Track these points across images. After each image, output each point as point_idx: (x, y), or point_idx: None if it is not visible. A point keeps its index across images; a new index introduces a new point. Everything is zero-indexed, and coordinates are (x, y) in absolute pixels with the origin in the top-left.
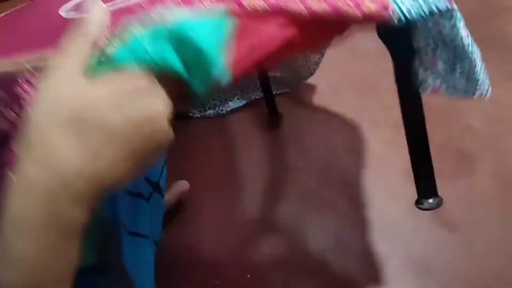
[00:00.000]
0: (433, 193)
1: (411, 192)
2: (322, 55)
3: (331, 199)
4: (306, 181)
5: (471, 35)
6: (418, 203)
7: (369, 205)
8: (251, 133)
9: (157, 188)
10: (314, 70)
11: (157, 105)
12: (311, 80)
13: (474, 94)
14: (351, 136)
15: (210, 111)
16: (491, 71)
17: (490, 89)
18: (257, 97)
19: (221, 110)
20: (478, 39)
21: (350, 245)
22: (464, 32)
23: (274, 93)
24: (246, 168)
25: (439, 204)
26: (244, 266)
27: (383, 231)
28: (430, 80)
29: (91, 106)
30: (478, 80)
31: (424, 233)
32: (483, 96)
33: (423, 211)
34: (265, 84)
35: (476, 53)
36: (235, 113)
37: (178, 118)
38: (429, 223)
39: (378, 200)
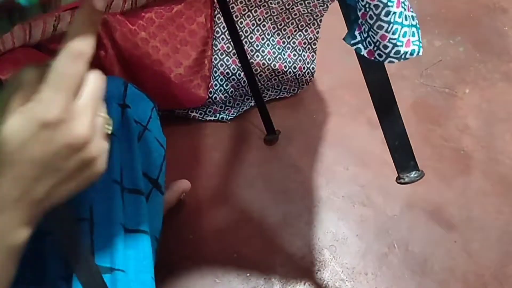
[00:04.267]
0: (413, 166)
1: (410, 192)
2: (314, 51)
3: (330, 199)
4: (306, 180)
5: (463, 39)
6: (398, 178)
7: (368, 205)
8: (254, 134)
9: (156, 185)
10: (313, 69)
11: (76, 130)
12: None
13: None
14: (350, 136)
15: (211, 117)
16: (487, 71)
17: (422, 48)
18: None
19: (222, 118)
20: (475, 40)
21: (349, 244)
22: None
23: (273, 97)
24: (246, 168)
25: (420, 176)
26: (244, 264)
27: (381, 230)
28: (363, 43)
29: (11, 143)
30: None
31: (422, 232)
32: (416, 53)
33: (420, 210)
34: (260, 102)
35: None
36: (237, 115)
37: (178, 119)
38: (427, 222)
39: (377, 199)
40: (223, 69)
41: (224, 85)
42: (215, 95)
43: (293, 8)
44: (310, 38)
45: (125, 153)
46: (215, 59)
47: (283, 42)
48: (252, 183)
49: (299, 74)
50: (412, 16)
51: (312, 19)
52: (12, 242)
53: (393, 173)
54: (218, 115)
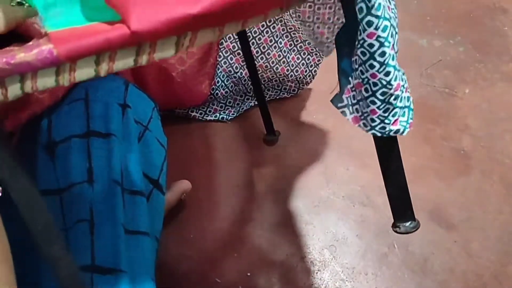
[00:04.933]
0: (410, 216)
1: (410, 192)
2: (321, 57)
3: (330, 199)
4: (306, 180)
5: (463, 39)
6: (394, 226)
7: (368, 205)
8: (255, 134)
9: (157, 185)
10: (315, 72)
11: None
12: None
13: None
14: (350, 136)
15: (211, 117)
16: (487, 71)
17: (408, 129)
18: (257, 103)
19: (222, 118)
20: (475, 40)
21: (349, 244)
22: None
23: (273, 97)
24: (247, 168)
25: (416, 227)
26: (244, 264)
27: (381, 230)
28: (349, 108)
29: None
30: (396, 113)
31: (422, 232)
32: (400, 133)
33: (420, 210)
34: (261, 102)
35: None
36: (237, 115)
37: (179, 119)
38: (427, 222)
39: (377, 199)
40: (226, 66)
41: (225, 81)
42: (216, 91)
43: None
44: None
45: (126, 154)
46: (219, 56)
47: (290, 45)
48: (252, 183)
49: (300, 77)
50: (407, 97)
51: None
52: None
53: None
54: (218, 115)
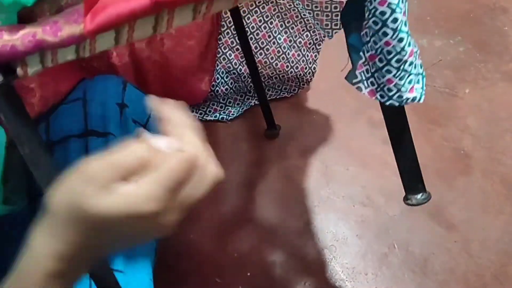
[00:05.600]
0: (421, 188)
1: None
2: (318, 52)
3: (330, 199)
4: (306, 180)
5: (463, 39)
6: (406, 199)
7: (368, 205)
8: (256, 133)
9: None
10: (315, 69)
11: (166, 223)
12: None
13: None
14: (350, 136)
15: (211, 117)
16: (488, 71)
17: (424, 96)
18: (257, 103)
19: (222, 118)
20: (475, 40)
21: (349, 244)
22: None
23: (273, 97)
24: (247, 168)
25: (427, 198)
26: (245, 264)
27: (381, 230)
28: (364, 83)
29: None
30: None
31: (422, 232)
32: (417, 100)
33: (420, 210)
34: (262, 95)
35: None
36: (237, 115)
37: None
38: (427, 223)
39: (377, 199)
40: (225, 62)
41: (224, 77)
42: (216, 88)
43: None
44: (316, 39)
45: None
46: (218, 52)
47: (290, 41)
48: (252, 182)
49: (300, 74)
50: (420, 64)
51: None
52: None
53: (393, 174)
54: (218, 115)
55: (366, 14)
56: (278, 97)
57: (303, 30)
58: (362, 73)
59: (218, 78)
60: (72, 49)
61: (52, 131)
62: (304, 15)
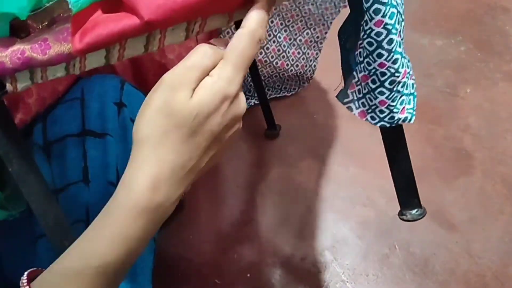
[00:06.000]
0: (416, 203)
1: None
2: (319, 49)
3: (330, 199)
4: (306, 181)
5: (464, 38)
6: (401, 214)
7: (369, 205)
8: (257, 132)
9: None
10: (315, 66)
11: (242, 104)
12: (309, 83)
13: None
14: (350, 136)
15: None
16: (488, 71)
17: (414, 116)
18: (256, 102)
19: None
20: (476, 39)
21: (350, 245)
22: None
23: (273, 96)
24: (248, 168)
25: (422, 214)
26: (244, 265)
27: (382, 231)
28: (355, 103)
29: (199, 115)
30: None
31: (423, 232)
32: (408, 120)
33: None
34: (262, 95)
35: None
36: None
37: None
38: (428, 223)
39: (377, 200)
40: None
41: None
42: None
43: (304, 6)
44: (317, 37)
45: (122, 154)
46: None
47: (290, 39)
48: (252, 183)
49: (300, 72)
50: (412, 84)
51: (323, 19)
52: (166, 215)
53: None
54: None
55: (361, 34)
56: (278, 96)
57: (303, 28)
58: (354, 93)
59: None
60: (62, 66)
61: (49, 131)
62: (305, 12)
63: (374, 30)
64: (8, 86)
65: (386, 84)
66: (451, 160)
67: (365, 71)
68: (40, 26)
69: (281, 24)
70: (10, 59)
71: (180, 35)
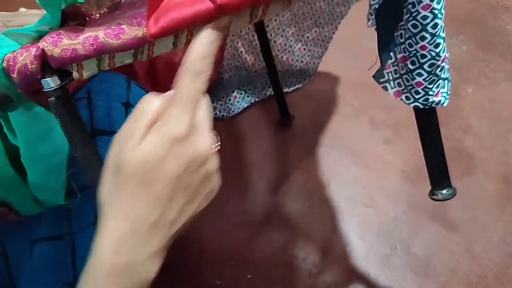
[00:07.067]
0: (447, 184)
1: (411, 192)
2: (326, 48)
3: (332, 199)
4: (307, 181)
5: (466, 38)
6: (432, 194)
7: (370, 206)
8: (259, 132)
9: None
10: (318, 65)
11: (201, 143)
12: (310, 80)
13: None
14: (352, 136)
15: (220, 113)
16: (490, 70)
17: (448, 100)
18: (267, 94)
19: (232, 111)
20: (478, 39)
21: (351, 245)
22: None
23: (286, 90)
24: (249, 169)
25: (453, 194)
26: (245, 265)
27: (383, 231)
28: (391, 83)
29: (148, 163)
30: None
31: (424, 233)
32: (441, 104)
33: (422, 211)
34: (276, 84)
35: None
36: (245, 111)
37: None
38: (429, 223)
39: (379, 200)
40: (231, 50)
41: (229, 64)
42: (222, 75)
43: (315, 3)
44: (325, 36)
45: None
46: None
47: (297, 35)
48: (253, 183)
49: (304, 69)
50: (448, 69)
51: (332, 18)
52: (145, 276)
53: (394, 174)
54: (218, 113)
55: (406, 16)
56: (290, 90)
57: (312, 25)
58: (390, 73)
59: (223, 66)
60: (130, 53)
61: None
62: (316, 10)
63: (420, 13)
64: (75, 74)
65: (425, 66)
66: (452, 160)
67: (404, 52)
68: (97, 12)
69: (291, 19)
70: (83, 46)
71: (245, 19)
